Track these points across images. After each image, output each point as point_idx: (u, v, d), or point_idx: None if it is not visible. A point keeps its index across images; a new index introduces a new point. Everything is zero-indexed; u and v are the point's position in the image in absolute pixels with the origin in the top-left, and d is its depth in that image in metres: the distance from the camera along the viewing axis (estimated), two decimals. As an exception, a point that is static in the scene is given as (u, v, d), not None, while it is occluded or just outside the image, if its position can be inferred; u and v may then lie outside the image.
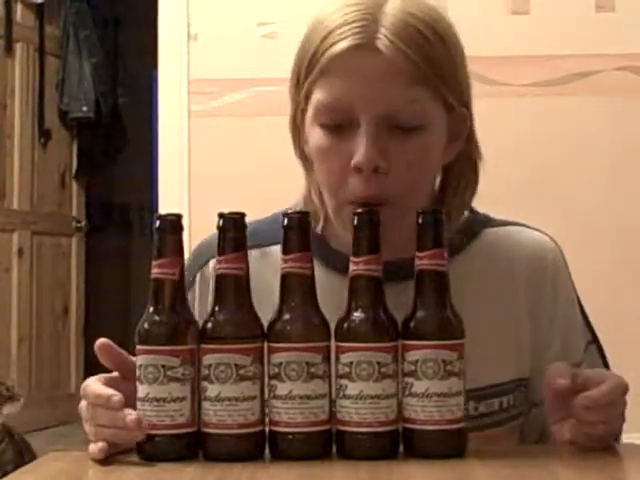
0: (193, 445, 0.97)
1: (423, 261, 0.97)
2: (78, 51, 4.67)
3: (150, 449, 0.96)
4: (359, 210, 1.00)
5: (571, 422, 1.00)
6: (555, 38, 3.31)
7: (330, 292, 0.99)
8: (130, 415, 0.94)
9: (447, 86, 1.08)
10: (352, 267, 0.97)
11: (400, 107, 1.05)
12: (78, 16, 4.70)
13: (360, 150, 1.04)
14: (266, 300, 0.99)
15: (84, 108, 4.64)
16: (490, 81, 3.29)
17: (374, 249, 0.97)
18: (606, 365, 1.24)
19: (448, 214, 1.07)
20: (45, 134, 4.59)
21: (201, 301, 1.18)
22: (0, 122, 4.32)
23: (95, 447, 0.96)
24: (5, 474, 0.94)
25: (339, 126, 1.07)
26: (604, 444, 1.00)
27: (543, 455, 1.00)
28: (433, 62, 1.05)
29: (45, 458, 1.02)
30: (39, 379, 4.47)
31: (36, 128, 4.54)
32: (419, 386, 0.95)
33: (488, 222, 1.20)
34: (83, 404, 1.00)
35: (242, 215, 0.99)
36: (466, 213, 1.20)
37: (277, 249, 1.06)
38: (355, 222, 0.98)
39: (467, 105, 1.13)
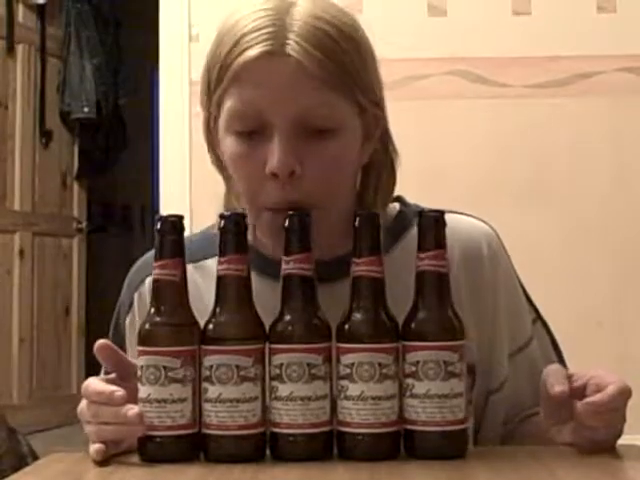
0: (194, 446, 0.97)
1: (424, 262, 0.98)
2: (79, 52, 4.67)
3: (151, 450, 0.96)
4: (362, 211, 1.00)
5: (571, 425, 1.00)
6: (556, 39, 3.31)
7: (263, 297, 0.99)
8: (131, 410, 0.94)
9: (359, 88, 1.08)
10: (353, 268, 0.97)
11: (312, 110, 1.05)
12: (80, 17, 4.70)
13: (274, 156, 1.04)
14: (203, 312, 0.99)
15: (85, 109, 4.64)
16: (491, 82, 3.29)
17: (375, 250, 0.97)
18: (553, 340, 1.25)
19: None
20: (46, 135, 4.58)
21: (141, 319, 1.18)
22: (1, 123, 4.32)
23: (93, 448, 0.97)
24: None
25: (252, 133, 1.06)
26: (605, 447, 1.00)
27: (545, 456, 1.00)
28: (344, 65, 1.05)
29: (46, 459, 1.02)
30: (40, 380, 4.47)
31: (37, 129, 4.54)
32: (420, 387, 0.95)
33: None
34: (83, 405, 1.00)
35: (243, 216, 0.99)
36: (397, 206, 1.21)
37: (210, 263, 1.12)
38: (357, 223, 0.98)
39: (379, 105, 1.14)
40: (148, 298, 1.17)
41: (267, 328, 0.98)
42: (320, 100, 1.05)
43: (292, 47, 1.03)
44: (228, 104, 1.07)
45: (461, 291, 1.15)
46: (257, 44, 1.04)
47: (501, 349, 1.18)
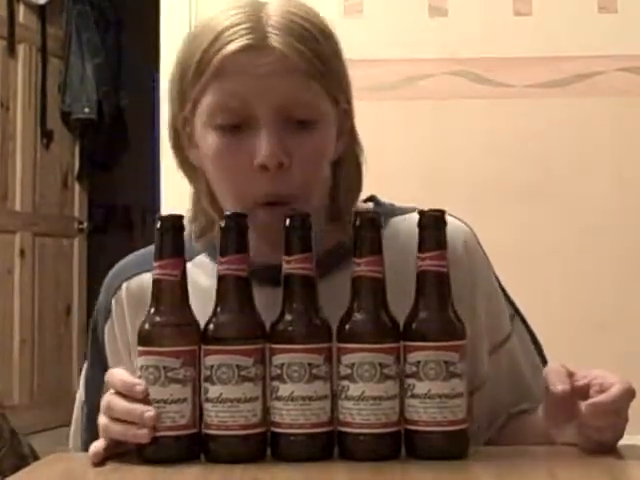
0: (194, 447, 0.97)
1: (425, 262, 0.97)
2: (80, 52, 4.67)
3: (150, 451, 0.96)
4: (363, 211, 1.00)
5: (573, 425, 0.99)
6: (557, 39, 3.30)
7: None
8: (149, 411, 0.94)
9: (336, 82, 1.10)
10: (355, 268, 0.97)
11: (295, 101, 1.06)
12: (80, 17, 4.70)
13: (264, 147, 1.04)
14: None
15: (86, 109, 4.64)
16: (492, 82, 3.29)
17: (376, 250, 0.97)
18: (532, 335, 1.25)
19: (340, 212, 1.10)
20: (47, 135, 4.58)
21: (120, 326, 1.19)
22: (2, 123, 4.32)
23: (91, 449, 0.97)
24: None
25: (236, 127, 1.06)
26: (609, 448, 0.99)
27: (545, 456, 1.00)
28: (322, 57, 1.07)
29: (47, 459, 1.02)
30: (41, 380, 4.47)
31: (38, 129, 4.54)
32: (421, 387, 0.94)
33: (393, 211, 1.19)
34: (106, 395, 1.00)
35: (244, 216, 0.99)
36: (371, 205, 1.21)
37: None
38: (357, 223, 0.98)
39: (349, 101, 1.14)
40: (126, 304, 1.18)
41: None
42: (303, 91, 1.06)
43: (274, 39, 1.05)
44: (209, 99, 1.07)
45: None
46: (238, 38, 1.05)
47: (481, 347, 1.18)
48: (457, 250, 1.16)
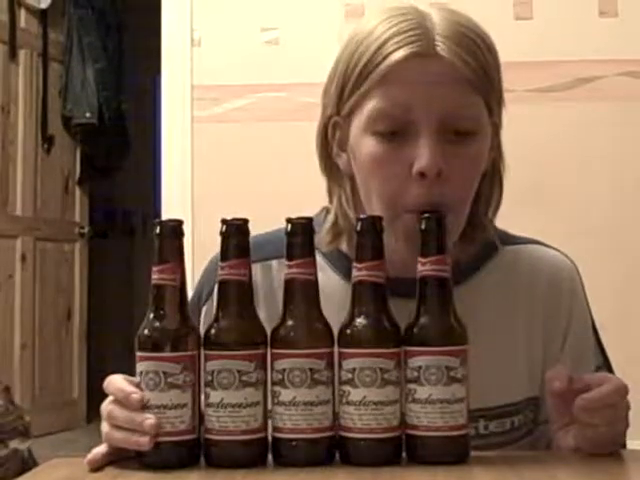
0: (195, 452, 0.97)
1: (426, 267, 0.97)
2: (82, 57, 4.68)
3: (151, 456, 0.95)
4: (361, 216, 1.00)
5: (575, 427, 0.99)
6: (558, 43, 3.31)
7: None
8: (149, 419, 0.94)
9: (495, 96, 1.10)
10: (355, 273, 0.97)
11: (459, 111, 1.05)
12: (82, 22, 4.71)
13: (424, 155, 1.03)
14: (275, 311, 0.99)
15: (87, 114, 4.64)
16: (493, 86, 3.29)
17: (377, 255, 0.97)
18: None
19: (478, 225, 1.11)
20: (48, 140, 4.58)
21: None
22: (3, 128, 4.32)
23: (89, 456, 0.97)
24: None
25: (394, 133, 1.06)
26: (608, 449, 0.99)
27: (547, 461, 1.00)
28: (486, 70, 1.07)
29: (46, 465, 1.02)
30: (42, 385, 4.47)
31: (39, 134, 4.54)
32: (422, 392, 0.94)
33: (507, 239, 1.20)
34: (105, 402, 1.00)
35: (245, 221, 0.99)
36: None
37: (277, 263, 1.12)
38: (358, 227, 0.98)
39: (500, 116, 1.15)
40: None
41: (333, 332, 0.97)
42: (468, 102, 1.06)
43: (442, 48, 1.04)
44: (371, 105, 1.06)
45: (536, 324, 1.16)
46: (405, 45, 1.04)
47: None
48: (563, 287, 1.19)
